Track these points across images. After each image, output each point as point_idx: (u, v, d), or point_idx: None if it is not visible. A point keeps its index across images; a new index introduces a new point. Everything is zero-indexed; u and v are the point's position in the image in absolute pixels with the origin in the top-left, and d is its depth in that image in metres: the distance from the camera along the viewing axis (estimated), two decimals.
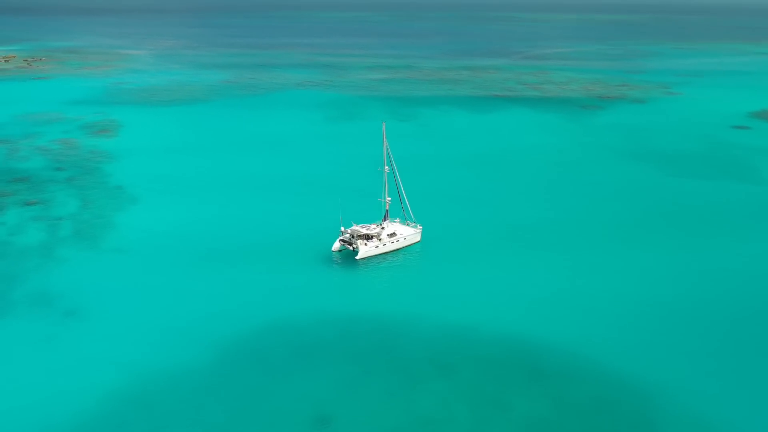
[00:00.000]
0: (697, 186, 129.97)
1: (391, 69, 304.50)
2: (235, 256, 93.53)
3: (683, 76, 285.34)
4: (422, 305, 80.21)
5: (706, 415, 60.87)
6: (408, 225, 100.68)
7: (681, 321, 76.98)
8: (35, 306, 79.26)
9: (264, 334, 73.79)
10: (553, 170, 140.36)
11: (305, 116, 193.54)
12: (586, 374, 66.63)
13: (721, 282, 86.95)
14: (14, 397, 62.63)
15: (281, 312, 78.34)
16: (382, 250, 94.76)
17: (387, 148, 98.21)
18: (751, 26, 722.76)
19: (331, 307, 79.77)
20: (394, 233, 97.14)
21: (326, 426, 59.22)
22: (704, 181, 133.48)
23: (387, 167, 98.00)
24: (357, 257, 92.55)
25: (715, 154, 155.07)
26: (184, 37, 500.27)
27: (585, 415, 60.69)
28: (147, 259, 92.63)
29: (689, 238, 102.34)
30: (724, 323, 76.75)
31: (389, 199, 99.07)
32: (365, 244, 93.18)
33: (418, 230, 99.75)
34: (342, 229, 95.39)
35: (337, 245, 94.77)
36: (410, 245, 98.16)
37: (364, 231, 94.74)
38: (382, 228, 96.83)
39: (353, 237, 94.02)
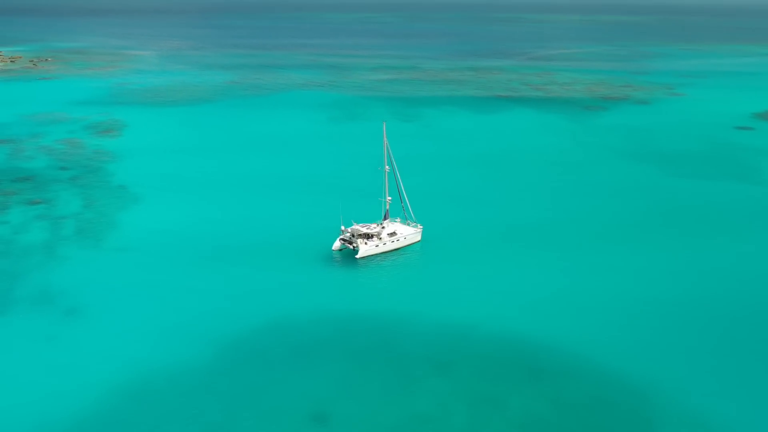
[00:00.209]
0: (699, 186, 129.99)
1: (395, 70, 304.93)
2: (236, 255, 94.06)
3: (687, 77, 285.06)
4: (421, 304, 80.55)
5: (702, 413, 60.98)
6: (408, 224, 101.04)
7: (680, 321, 77.09)
8: (37, 304, 79.88)
9: (264, 332, 74.21)
10: (554, 170, 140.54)
11: (308, 116, 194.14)
12: (584, 373, 66.80)
13: (721, 282, 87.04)
14: (15, 394, 63.16)
15: (281, 310, 78.77)
16: (382, 249, 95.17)
17: (387, 148, 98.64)
18: (755, 27, 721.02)
19: (331, 305, 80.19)
20: (394, 232, 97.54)
21: (324, 423, 59.56)
22: (706, 181, 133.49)
23: (387, 167, 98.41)
24: (357, 256, 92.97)
25: (718, 154, 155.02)
26: (190, 37, 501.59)
27: (582, 413, 60.87)
28: (148, 258, 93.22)
29: (690, 239, 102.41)
30: (723, 323, 76.80)
31: (389, 198, 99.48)
32: (365, 243, 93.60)
33: (419, 230, 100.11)
34: (342, 228, 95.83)
35: (337, 244, 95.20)
36: (410, 245, 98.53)
37: (364, 230, 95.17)
38: (383, 227, 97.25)
39: (354, 236, 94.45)
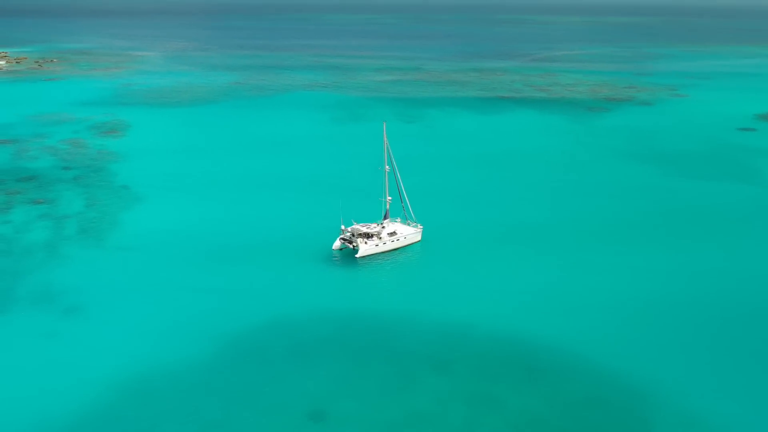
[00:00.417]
0: (700, 187, 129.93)
1: (399, 71, 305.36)
2: (237, 254, 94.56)
3: (691, 78, 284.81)
4: (420, 303, 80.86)
5: (699, 412, 61.18)
6: (409, 224, 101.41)
7: (680, 321, 77.17)
8: (38, 301, 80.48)
9: (264, 331, 74.61)
10: (555, 171, 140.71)
11: (311, 117, 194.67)
12: (582, 372, 66.97)
13: (722, 283, 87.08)
14: (15, 390, 63.71)
15: (281, 308, 79.21)
16: (382, 248, 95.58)
17: (387, 148, 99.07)
18: (760, 28, 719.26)
19: (330, 304, 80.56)
20: (394, 232, 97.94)
21: (322, 421, 59.92)
22: (708, 182, 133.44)
23: (387, 167, 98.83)
24: (357, 255, 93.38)
25: (720, 155, 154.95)
26: (195, 38, 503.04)
27: (579, 412, 61.06)
28: (150, 257, 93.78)
29: (691, 239, 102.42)
30: (723, 324, 76.86)
31: (390, 198, 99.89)
32: (365, 243, 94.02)
33: (419, 229, 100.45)
34: (343, 227, 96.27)
35: (337, 244, 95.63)
36: (410, 244, 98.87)
37: (364, 230, 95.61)
38: (383, 227, 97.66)
39: (354, 235, 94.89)
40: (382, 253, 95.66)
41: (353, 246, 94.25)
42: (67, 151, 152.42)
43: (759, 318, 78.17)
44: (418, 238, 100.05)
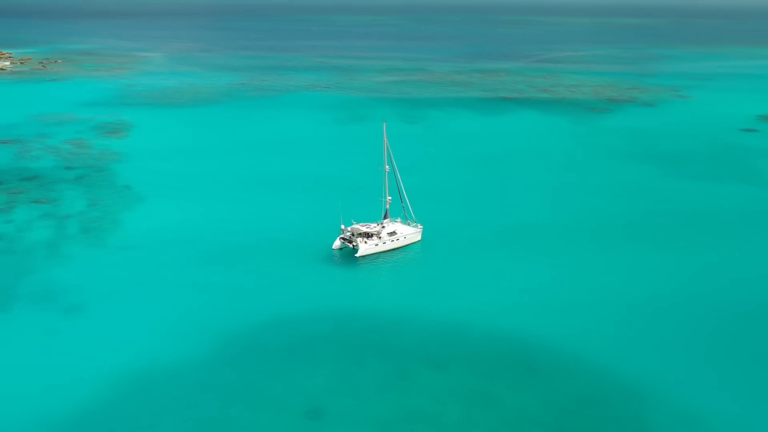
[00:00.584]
0: (702, 188, 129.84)
1: (402, 72, 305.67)
2: (238, 253, 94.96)
3: (694, 80, 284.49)
4: (419, 302, 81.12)
5: (694, 411, 61.31)
6: (409, 224, 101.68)
7: (680, 322, 77.22)
8: (40, 300, 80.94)
9: (263, 329, 74.95)
10: (557, 171, 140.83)
11: (313, 117, 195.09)
12: (580, 371, 67.09)
13: (722, 283, 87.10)
14: (15, 386, 64.17)
15: (281, 307, 79.55)
16: (381, 248, 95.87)
17: (387, 148, 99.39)
18: (764, 29, 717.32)
19: (329, 303, 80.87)
20: (394, 232, 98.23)
21: (319, 419, 60.17)
22: (710, 183, 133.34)
23: (387, 167, 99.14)
24: (357, 255, 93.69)
25: (723, 156, 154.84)
26: (199, 39, 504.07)
27: (576, 410, 61.17)
28: (151, 256, 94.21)
29: (693, 240, 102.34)
30: (724, 324, 76.90)
31: (390, 198, 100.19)
32: (365, 242, 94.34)
33: (419, 229, 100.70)
34: (342, 227, 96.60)
35: (337, 243, 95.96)
36: (410, 244, 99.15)
37: (364, 229, 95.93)
38: (383, 227, 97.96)
39: (353, 235, 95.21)
40: (382, 252, 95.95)
41: (353, 245, 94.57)
42: (70, 151, 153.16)
43: (759, 318, 78.19)
44: (418, 237, 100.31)
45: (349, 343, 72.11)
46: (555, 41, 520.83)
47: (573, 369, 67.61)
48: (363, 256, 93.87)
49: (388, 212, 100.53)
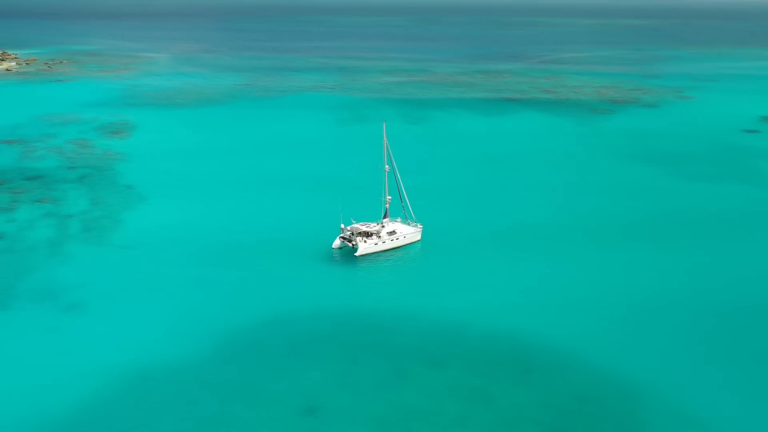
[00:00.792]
0: (705, 189, 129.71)
1: (405, 72, 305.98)
2: (238, 252, 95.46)
3: (697, 81, 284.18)
4: (418, 301, 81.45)
5: (690, 410, 61.49)
6: (409, 224, 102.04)
7: (679, 322, 77.32)
8: (42, 298, 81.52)
9: (263, 328, 75.37)
10: (558, 172, 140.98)
11: (316, 118, 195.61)
12: (578, 371, 67.25)
13: (722, 283, 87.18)
14: (16, 382, 64.73)
15: (280, 306, 80.00)
16: (381, 247, 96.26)
17: (387, 148, 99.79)
18: (767, 30, 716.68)
19: (328, 301, 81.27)
20: (393, 231, 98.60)
21: (317, 416, 60.52)
22: (712, 184, 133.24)
23: (387, 166, 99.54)
24: (356, 254, 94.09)
25: (725, 157, 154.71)
26: (203, 40, 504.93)
27: (574, 410, 61.36)
28: (151, 255, 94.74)
29: (694, 241, 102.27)
30: (723, 325, 76.96)
31: (389, 197, 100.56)
32: (364, 242, 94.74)
33: (419, 229, 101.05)
34: (342, 226, 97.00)
35: (337, 242, 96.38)
36: (410, 244, 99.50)
37: (364, 229, 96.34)
38: (382, 226, 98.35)
39: (353, 234, 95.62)
40: (382, 252, 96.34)
41: (353, 245, 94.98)
42: (73, 151, 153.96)
43: (758, 318, 78.29)
44: (418, 237, 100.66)
45: (348, 342, 72.49)
46: (558, 42, 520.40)
47: (570, 368, 67.86)
48: (362, 256, 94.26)
49: (388, 212, 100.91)
